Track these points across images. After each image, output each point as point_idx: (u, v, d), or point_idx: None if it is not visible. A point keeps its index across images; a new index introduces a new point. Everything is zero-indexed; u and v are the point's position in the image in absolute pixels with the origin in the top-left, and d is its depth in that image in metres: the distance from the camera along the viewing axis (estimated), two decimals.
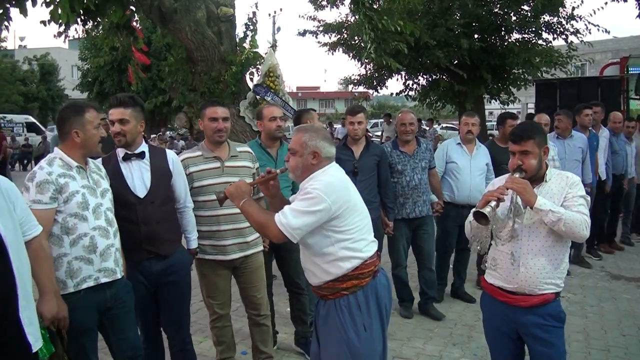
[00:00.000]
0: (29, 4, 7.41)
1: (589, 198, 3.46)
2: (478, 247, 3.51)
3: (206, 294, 4.55)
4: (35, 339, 2.84)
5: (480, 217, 3.21)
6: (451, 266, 6.94)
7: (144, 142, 4.09)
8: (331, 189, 3.17)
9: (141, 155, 4.00)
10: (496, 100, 17.93)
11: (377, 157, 5.73)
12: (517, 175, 3.34)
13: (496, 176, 6.37)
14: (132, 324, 3.82)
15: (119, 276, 3.61)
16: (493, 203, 3.22)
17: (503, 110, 13.15)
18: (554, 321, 3.40)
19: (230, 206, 4.32)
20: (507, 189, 3.27)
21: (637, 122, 9.65)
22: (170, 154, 4.22)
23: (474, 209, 3.30)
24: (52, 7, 7.30)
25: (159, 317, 4.20)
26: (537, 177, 3.42)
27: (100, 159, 4.06)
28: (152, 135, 25.70)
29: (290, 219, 3.10)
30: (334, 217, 3.15)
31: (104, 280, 3.51)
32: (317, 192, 3.13)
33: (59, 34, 8.48)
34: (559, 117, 7.73)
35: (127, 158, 3.96)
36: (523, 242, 3.39)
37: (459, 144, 6.55)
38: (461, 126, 6.64)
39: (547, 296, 3.37)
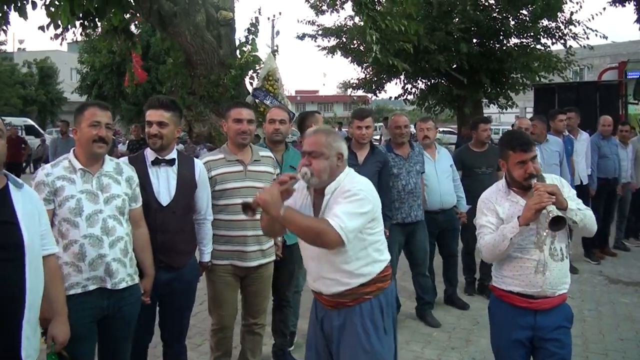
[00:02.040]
0: (28, 7, 7.43)
1: None
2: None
3: (213, 304, 4.43)
4: (27, 355, 2.69)
5: (559, 223, 3.13)
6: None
7: (175, 148, 4.03)
8: (371, 189, 3.15)
9: (171, 162, 3.92)
10: (494, 105, 17.97)
11: (380, 163, 5.57)
12: (534, 181, 3.35)
13: (469, 180, 6.48)
14: (125, 337, 3.65)
15: (108, 286, 3.41)
16: (550, 207, 3.17)
17: (501, 115, 13.17)
18: (568, 323, 3.49)
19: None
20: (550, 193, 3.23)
21: (631, 127, 9.55)
22: (199, 164, 4.12)
23: (551, 217, 3.14)
24: (52, 9, 7.31)
25: (153, 325, 4.09)
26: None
27: (125, 159, 3.97)
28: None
29: (347, 222, 2.93)
30: (372, 219, 3.11)
31: (92, 287, 3.37)
32: (363, 193, 3.06)
33: (56, 37, 8.51)
34: (534, 123, 7.64)
35: (156, 163, 3.89)
36: (546, 247, 3.40)
37: None
38: (417, 132, 6.56)
39: (564, 296, 3.47)
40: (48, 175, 3.35)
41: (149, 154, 3.92)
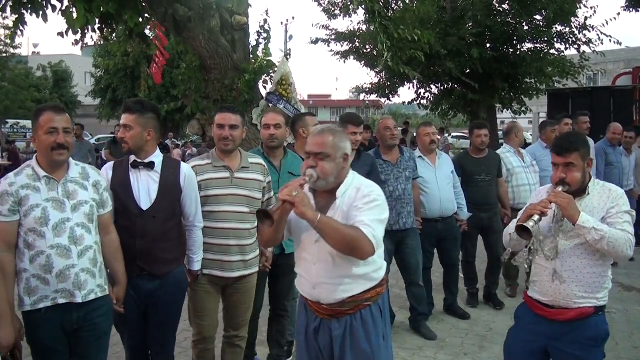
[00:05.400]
0: (48, 11, 7.54)
1: (634, 213, 3.31)
2: (522, 262, 3.48)
3: (194, 313, 4.26)
4: None
5: (523, 232, 3.14)
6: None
7: (157, 151, 3.87)
8: (384, 194, 3.10)
9: (150, 166, 3.78)
10: (508, 110, 17.92)
11: (367, 166, 5.35)
12: (560, 188, 3.25)
13: (468, 187, 6.36)
14: (99, 350, 3.52)
15: (78, 300, 3.25)
16: (536, 217, 3.14)
17: (514, 120, 13.16)
18: (592, 341, 3.31)
19: (237, 220, 4.11)
20: (551, 203, 3.19)
21: (636, 133, 9.33)
22: (185, 167, 3.95)
23: (517, 223, 3.20)
24: (69, 12, 7.40)
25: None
26: (579, 190, 3.31)
27: (111, 163, 3.90)
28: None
29: (377, 230, 2.87)
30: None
31: (61, 301, 3.22)
32: (382, 199, 3.02)
33: (76, 42, 8.60)
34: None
35: (135, 166, 3.77)
36: (565, 259, 3.29)
37: (420, 157, 6.20)
38: (421, 137, 6.28)
39: (584, 310, 3.27)
40: (12, 185, 3.21)
41: (132, 157, 3.82)
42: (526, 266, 3.46)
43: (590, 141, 8.41)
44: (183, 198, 3.90)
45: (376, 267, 3.12)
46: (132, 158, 3.80)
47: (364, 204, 2.96)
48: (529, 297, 3.51)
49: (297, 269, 3.27)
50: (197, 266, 4.06)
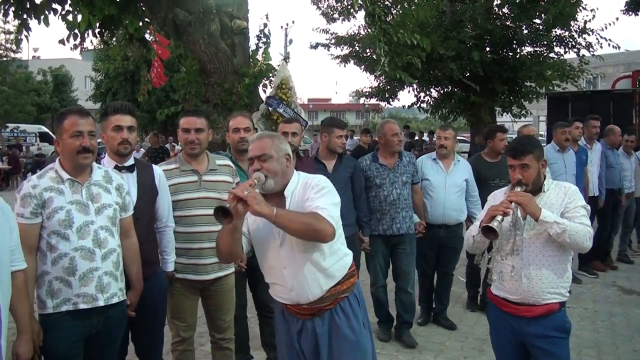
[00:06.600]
0: (49, 15, 7.56)
1: (589, 207, 3.49)
2: (487, 261, 3.60)
3: (171, 314, 4.22)
4: None
5: (489, 232, 3.23)
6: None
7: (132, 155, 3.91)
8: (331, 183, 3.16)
9: (131, 169, 3.80)
10: (508, 113, 17.93)
11: (350, 169, 5.46)
12: (518, 189, 3.40)
13: (481, 192, 6.09)
14: (110, 356, 3.50)
15: (100, 304, 3.25)
16: (500, 217, 3.24)
17: (514, 124, 13.16)
18: (558, 332, 3.43)
19: (210, 223, 3.91)
20: (512, 203, 3.29)
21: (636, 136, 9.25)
22: (157, 170, 3.99)
23: (482, 224, 3.30)
24: (73, 15, 7.43)
25: (127, 339, 3.94)
26: (535, 188, 3.47)
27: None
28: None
29: (333, 212, 2.94)
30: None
31: (82, 306, 3.20)
32: (330, 185, 3.08)
33: (75, 47, 8.61)
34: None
35: (118, 170, 3.72)
36: (524, 254, 3.43)
37: (434, 159, 6.11)
38: (435, 140, 6.25)
39: (552, 306, 3.41)
40: (35, 187, 3.19)
41: (107, 162, 3.77)
42: (489, 265, 3.60)
43: (599, 144, 8.44)
44: (158, 199, 3.93)
45: (341, 254, 3.19)
46: (110, 162, 3.76)
47: (314, 194, 3.03)
48: (495, 296, 3.62)
49: (268, 279, 3.28)
50: (171, 267, 4.08)
